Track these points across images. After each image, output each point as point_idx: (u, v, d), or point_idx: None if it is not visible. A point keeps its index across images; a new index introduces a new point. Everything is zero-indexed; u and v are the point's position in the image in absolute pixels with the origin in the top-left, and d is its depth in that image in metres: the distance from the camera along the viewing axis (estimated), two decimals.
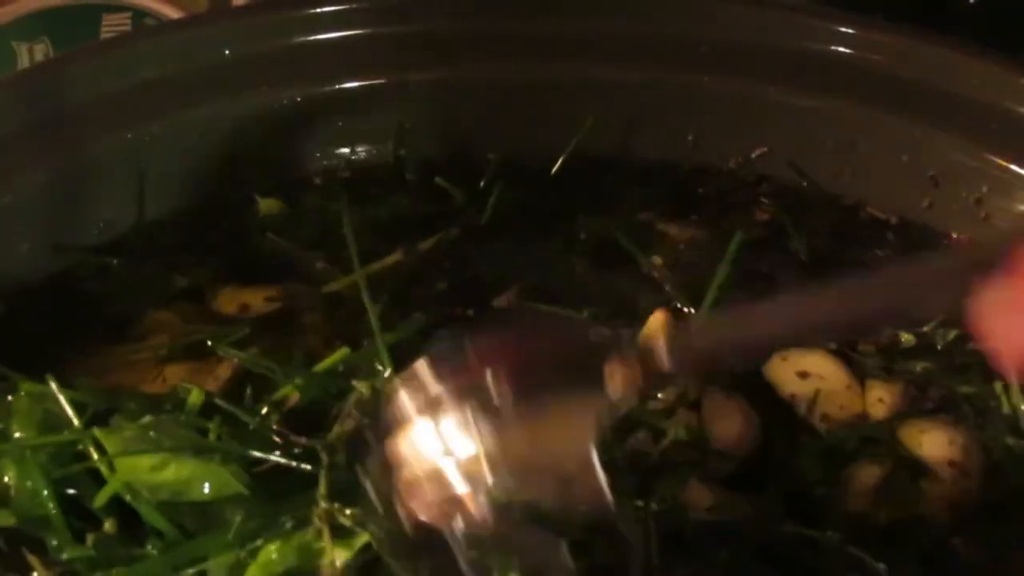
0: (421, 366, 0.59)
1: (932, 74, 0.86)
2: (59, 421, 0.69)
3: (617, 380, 0.57)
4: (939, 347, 0.79)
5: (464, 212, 0.88)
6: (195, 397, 0.70)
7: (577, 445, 0.57)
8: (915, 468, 0.72)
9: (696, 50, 0.89)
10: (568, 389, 0.58)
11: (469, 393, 0.57)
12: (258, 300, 0.82)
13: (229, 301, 0.82)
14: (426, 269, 0.84)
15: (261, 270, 0.84)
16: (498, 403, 0.57)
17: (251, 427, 0.69)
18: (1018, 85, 0.83)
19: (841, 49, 0.87)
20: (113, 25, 1.10)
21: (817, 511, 0.70)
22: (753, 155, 0.90)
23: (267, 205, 0.89)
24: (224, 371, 0.75)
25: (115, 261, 0.85)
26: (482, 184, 0.89)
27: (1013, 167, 0.84)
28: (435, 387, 0.58)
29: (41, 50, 1.09)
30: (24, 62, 1.08)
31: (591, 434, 0.57)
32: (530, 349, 0.59)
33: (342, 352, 0.73)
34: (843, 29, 0.87)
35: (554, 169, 0.90)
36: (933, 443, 0.73)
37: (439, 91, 0.90)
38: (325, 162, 0.91)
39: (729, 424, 0.72)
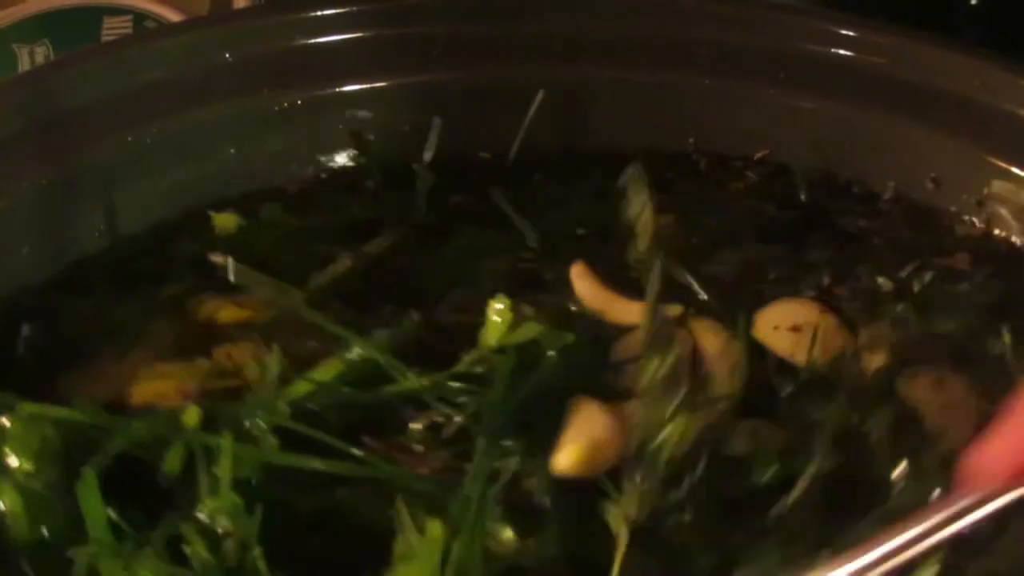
0: None
1: (933, 76, 0.86)
2: (55, 447, 0.68)
3: None
4: (915, 290, 0.80)
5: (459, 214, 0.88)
6: (192, 416, 0.70)
7: None
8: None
9: (696, 52, 0.89)
10: None
11: None
12: (235, 311, 0.80)
13: (209, 312, 0.81)
14: (387, 272, 0.84)
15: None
16: None
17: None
18: (1020, 87, 0.84)
19: (841, 51, 0.87)
20: (114, 28, 1.10)
21: None
22: (754, 157, 0.90)
23: (222, 220, 0.87)
24: (203, 366, 0.75)
25: (76, 301, 0.83)
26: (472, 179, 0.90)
27: (1014, 169, 0.84)
28: None
29: (42, 53, 1.09)
30: (25, 65, 1.09)
31: None
32: None
33: (335, 364, 0.73)
34: (843, 31, 0.87)
35: (547, 166, 0.91)
36: (923, 387, 0.73)
37: (440, 93, 0.90)
38: (313, 167, 0.91)
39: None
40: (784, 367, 0.74)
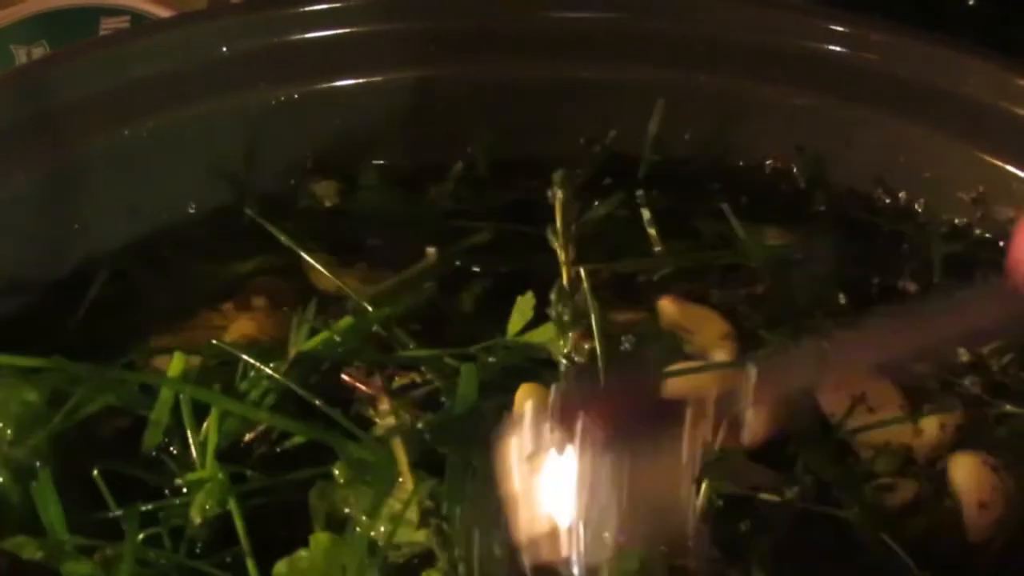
0: (528, 413, 0.61)
1: (929, 74, 0.86)
2: (38, 411, 0.68)
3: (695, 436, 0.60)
4: (993, 369, 0.78)
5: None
6: (176, 365, 0.70)
7: (666, 487, 0.60)
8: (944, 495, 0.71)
9: (693, 49, 0.89)
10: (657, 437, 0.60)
11: (570, 438, 0.60)
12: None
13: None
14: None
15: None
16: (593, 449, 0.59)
17: None
18: (1014, 85, 0.83)
19: (838, 48, 0.87)
20: (111, 28, 1.10)
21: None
22: (748, 153, 0.90)
23: (324, 188, 0.89)
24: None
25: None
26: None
27: (1009, 167, 0.84)
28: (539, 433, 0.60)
29: (39, 53, 1.09)
30: None
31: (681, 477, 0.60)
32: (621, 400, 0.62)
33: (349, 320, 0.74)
34: (840, 28, 0.87)
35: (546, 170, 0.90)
36: (968, 478, 0.71)
37: (435, 88, 0.90)
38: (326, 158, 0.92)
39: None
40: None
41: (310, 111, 0.89)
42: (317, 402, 0.69)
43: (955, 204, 0.86)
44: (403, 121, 0.91)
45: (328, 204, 0.89)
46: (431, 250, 0.83)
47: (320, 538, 0.64)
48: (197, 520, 0.65)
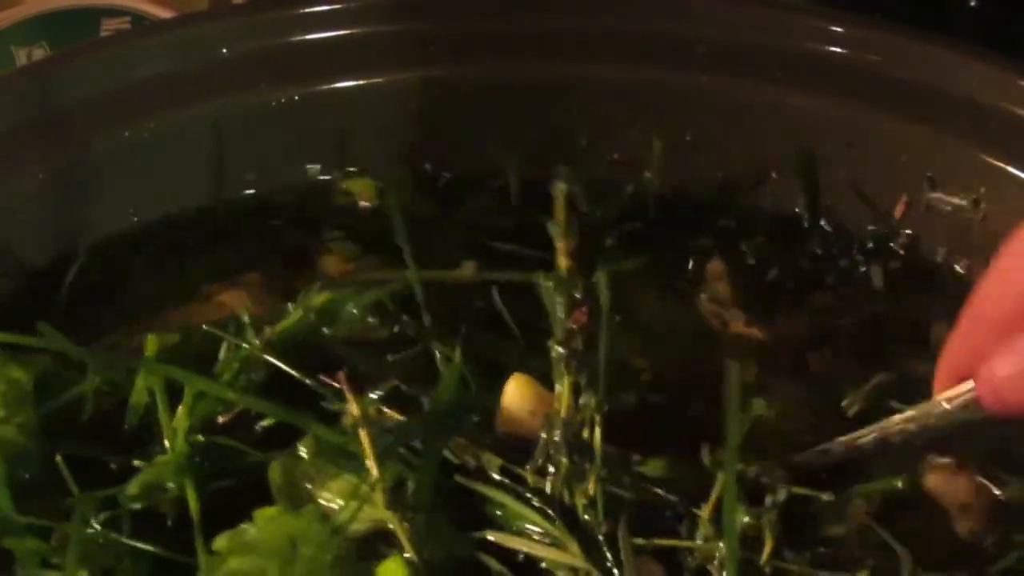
0: None
1: (930, 75, 0.86)
2: (25, 389, 0.68)
3: None
4: None
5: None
6: (151, 345, 0.70)
7: None
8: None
9: (693, 50, 0.89)
10: None
11: None
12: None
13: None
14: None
15: None
16: None
17: None
18: (1016, 86, 0.83)
19: (839, 49, 0.87)
20: (112, 29, 1.11)
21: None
22: (750, 154, 0.90)
23: (358, 186, 0.90)
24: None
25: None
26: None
27: (1011, 168, 0.84)
28: None
29: (40, 55, 1.09)
30: None
31: None
32: None
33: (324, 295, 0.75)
34: (841, 29, 0.87)
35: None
36: (942, 485, 0.72)
37: (439, 90, 0.90)
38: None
39: None
40: None
41: (310, 113, 0.89)
42: (293, 372, 0.70)
43: (957, 205, 0.86)
44: (402, 123, 0.91)
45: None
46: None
47: (266, 512, 0.63)
48: (134, 492, 0.65)
